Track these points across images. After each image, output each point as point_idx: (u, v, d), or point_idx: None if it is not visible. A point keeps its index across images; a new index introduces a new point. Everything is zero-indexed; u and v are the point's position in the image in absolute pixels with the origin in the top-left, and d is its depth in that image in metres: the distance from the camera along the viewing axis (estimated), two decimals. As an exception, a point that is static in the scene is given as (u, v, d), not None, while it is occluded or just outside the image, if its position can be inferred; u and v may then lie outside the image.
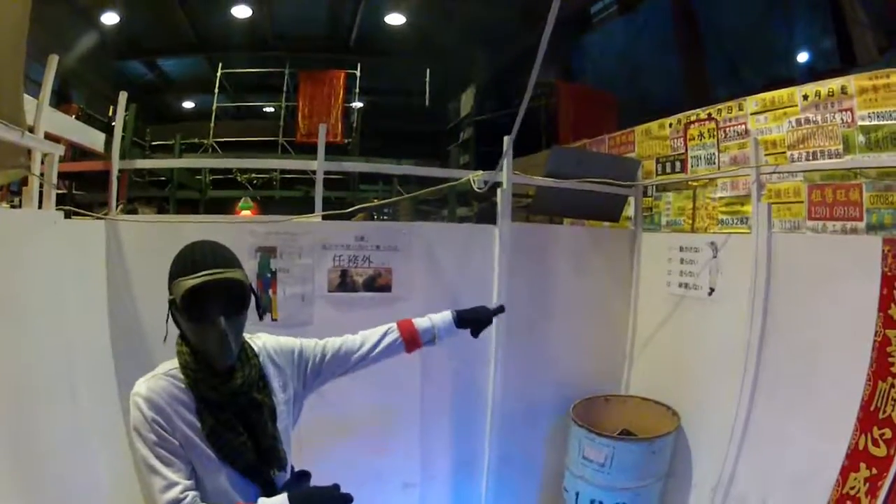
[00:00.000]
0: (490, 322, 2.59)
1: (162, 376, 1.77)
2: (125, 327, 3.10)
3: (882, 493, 2.62)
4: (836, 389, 2.89)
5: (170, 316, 1.81)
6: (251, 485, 1.83)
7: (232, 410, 1.81)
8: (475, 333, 2.55)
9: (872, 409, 2.72)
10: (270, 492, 1.85)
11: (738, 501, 3.40)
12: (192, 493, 1.68)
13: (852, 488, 2.76)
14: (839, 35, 7.97)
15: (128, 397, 1.74)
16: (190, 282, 1.69)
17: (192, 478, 1.72)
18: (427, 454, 3.82)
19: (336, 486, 1.83)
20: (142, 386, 1.74)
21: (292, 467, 2.03)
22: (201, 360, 1.77)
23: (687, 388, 3.88)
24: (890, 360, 2.67)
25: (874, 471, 2.68)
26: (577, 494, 3.73)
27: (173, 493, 1.65)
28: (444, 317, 2.43)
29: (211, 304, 1.72)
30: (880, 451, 2.67)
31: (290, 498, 1.74)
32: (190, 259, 1.75)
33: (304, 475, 2.05)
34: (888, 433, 2.64)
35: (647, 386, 4.18)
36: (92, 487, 2.78)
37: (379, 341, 2.27)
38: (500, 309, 2.64)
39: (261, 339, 2.04)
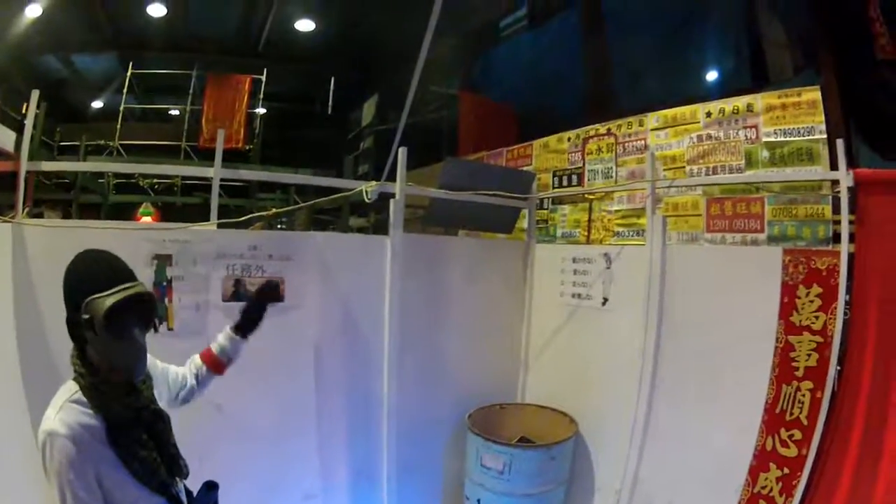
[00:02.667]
0: (258, 306, 2.48)
1: (69, 405, 1.67)
2: (32, 334, 2.94)
3: (798, 493, 2.80)
4: (738, 394, 3.06)
5: (75, 333, 1.75)
6: (162, 499, 1.81)
7: (140, 426, 1.78)
8: (252, 323, 2.43)
9: (778, 411, 2.90)
10: None
11: (643, 502, 3.52)
12: None
13: (764, 488, 2.93)
14: (753, 54, 8.06)
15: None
16: (111, 299, 1.67)
17: None
18: (326, 464, 3.78)
19: None
20: (57, 423, 1.63)
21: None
22: (106, 377, 1.72)
23: (584, 396, 4.01)
24: (794, 364, 2.87)
25: (786, 470, 2.86)
26: (479, 501, 3.80)
27: None
28: (225, 332, 2.37)
29: (131, 319, 1.72)
30: (790, 452, 2.85)
31: None
32: (99, 275, 1.72)
33: (213, 486, 2.03)
34: (797, 434, 2.83)
35: (543, 393, 4.30)
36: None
37: (196, 375, 2.25)
38: (265, 287, 2.60)
39: None
